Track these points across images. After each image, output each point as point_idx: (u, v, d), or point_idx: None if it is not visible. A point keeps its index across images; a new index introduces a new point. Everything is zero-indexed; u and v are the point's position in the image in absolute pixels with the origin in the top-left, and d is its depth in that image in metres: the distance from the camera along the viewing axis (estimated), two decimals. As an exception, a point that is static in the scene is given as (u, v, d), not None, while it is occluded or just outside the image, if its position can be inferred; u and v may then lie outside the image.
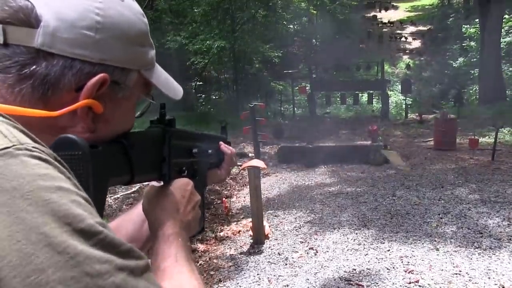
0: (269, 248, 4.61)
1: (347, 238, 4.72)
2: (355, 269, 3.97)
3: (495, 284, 3.54)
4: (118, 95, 0.63)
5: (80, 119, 0.59)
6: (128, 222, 0.88)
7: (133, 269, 0.46)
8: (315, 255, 4.36)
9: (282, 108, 17.16)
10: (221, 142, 1.02)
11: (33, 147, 0.45)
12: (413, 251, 4.26)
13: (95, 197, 0.52)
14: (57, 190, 0.43)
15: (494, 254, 4.09)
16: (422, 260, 4.05)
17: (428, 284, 3.60)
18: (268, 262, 4.26)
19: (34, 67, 0.55)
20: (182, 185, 0.77)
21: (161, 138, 0.75)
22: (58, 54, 0.56)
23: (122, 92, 0.63)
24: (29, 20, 0.55)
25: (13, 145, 0.44)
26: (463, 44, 20.02)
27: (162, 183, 0.77)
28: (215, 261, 4.38)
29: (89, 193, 0.50)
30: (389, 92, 17.41)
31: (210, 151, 0.93)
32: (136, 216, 0.88)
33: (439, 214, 5.29)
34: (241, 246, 4.73)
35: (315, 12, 22.94)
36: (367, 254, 4.29)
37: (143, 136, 0.72)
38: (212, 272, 4.12)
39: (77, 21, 0.56)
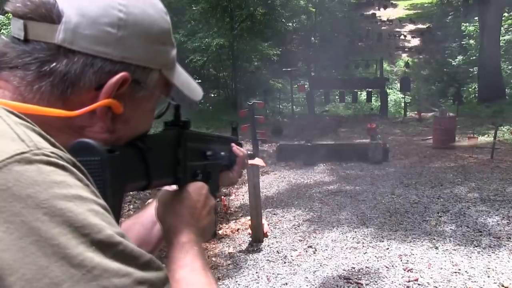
0: (267, 246, 4.60)
1: (346, 237, 4.71)
2: (354, 268, 3.97)
3: (495, 283, 3.53)
4: (138, 95, 0.61)
5: (99, 119, 0.57)
6: (138, 225, 0.86)
7: (153, 282, 0.45)
8: (314, 253, 4.35)
9: (280, 106, 17.15)
10: (233, 144, 1.00)
11: (51, 152, 0.44)
12: (412, 250, 4.25)
13: (112, 205, 0.51)
14: (73, 199, 0.42)
15: (494, 253, 4.08)
16: (421, 259, 4.05)
17: (427, 282, 3.60)
18: (267, 260, 4.25)
19: (54, 64, 0.53)
20: (197, 189, 0.75)
21: (176, 140, 0.73)
22: (79, 51, 0.54)
23: (143, 92, 0.61)
24: (51, 15, 0.53)
25: (30, 150, 0.42)
26: (462, 42, 20.00)
27: (174, 187, 0.75)
28: (213, 259, 4.37)
29: (106, 200, 0.49)
30: (388, 90, 17.41)
31: (222, 153, 0.91)
32: (146, 219, 0.86)
33: (438, 213, 5.29)
34: (239, 244, 4.72)
35: (314, 10, 22.91)
36: (366, 252, 4.28)
37: (159, 139, 0.70)
38: (211, 270, 4.10)
39: (99, 18, 0.55)
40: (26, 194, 0.39)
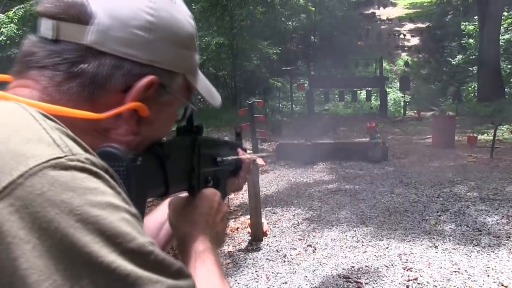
0: (267, 245, 4.60)
1: (346, 236, 4.71)
2: (353, 267, 3.96)
3: (494, 282, 3.53)
4: (162, 99, 0.61)
5: (124, 121, 0.57)
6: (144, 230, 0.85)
7: None
8: (314, 252, 4.35)
9: (280, 105, 17.16)
10: (239, 150, 1.00)
11: (85, 158, 0.44)
12: (411, 249, 4.25)
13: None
14: (106, 206, 0.41)
15: (493, 252, 4.08)
16: (421, 258, 4.05)
17: (427, 281, 3.59)
18: (266, 259, 4.25)
19: (83, 65, 0.53)
20: (209, 196, 0.74)
21: (191, 147, 0.73)
22: (108, 53, 0.54)
23: (167, 96, 0.61)
24: (82, 16, 0.53)
25: (65, 156, 0.42)
26: (462, 42, 20.01)
27: (185, 193, 0.75)
28: (213, 258, 4.36)
29: None
30: (388, 89, 17.40)
31: (230, 158, 0.91)
32: (152, 224, 0.86)
33: (437, 212, 5.29)
34: (239, 243, 4.71)
35: (313, 9, 22.89)
36: (365, 251, 4.28)
37: (175, 146, 0.69)
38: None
39: (130, 20, 0.55)
40: (60, 200, 0.39)
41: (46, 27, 0.54)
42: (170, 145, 0.67)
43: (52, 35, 0.53)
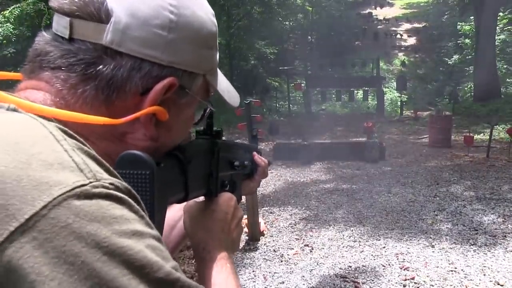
0: (264, 245, 4.60)
1: (343, 235, 4.71)
2: (350, 266, 3.97)
3: (490, 281, 3.55)
4: (182, 101, 0.58)
5: (142, 125, 0.54)
6: None
7: None
8: (311, 252, 4.35)
9: (277, 105, 17.15)
10: (254, 153, 0.99)
11: (109, 183, 0.42)
12: (408, 248, 4.27)
13: (157, 220, 0.49)
14: (132, 235, 0.40)
15: (489, 251, 4.10)
16: (418, 257, 4.06)
17: (424, 281, 3.61)
18: (264, 259, 4.25)
19: (100, 67, 0.50)
20: (225, 201, 0.73)
21: (211, 151, 0.71)
22: (126, 54, 0.51)
23: (186, 98, 0.58)
24: (99, 14, 0.50)
25: (90, 182, 0.40)
26: (458, 42, 20.07)
27: (201, 197, 0.74)
28: (210, 258, 4.36)
29: (154, 215, 0.48)
30: (384, 89, 17.44)
31: (246, 162, 0.90)
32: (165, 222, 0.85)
33: (434, 211, 5.30)
34: (236, 243, 4.71)
35: (310, 9, 22.90)
36: (362, 251, 4.29)
37: (195, 150, 0.68)
38: None
39: (150, 19, 0.51)
40: (86, 232, 0.37)
41: (60, 24, 0.51)
42: (191, 149, 0.65)
43: (67, 33, 0.50)
